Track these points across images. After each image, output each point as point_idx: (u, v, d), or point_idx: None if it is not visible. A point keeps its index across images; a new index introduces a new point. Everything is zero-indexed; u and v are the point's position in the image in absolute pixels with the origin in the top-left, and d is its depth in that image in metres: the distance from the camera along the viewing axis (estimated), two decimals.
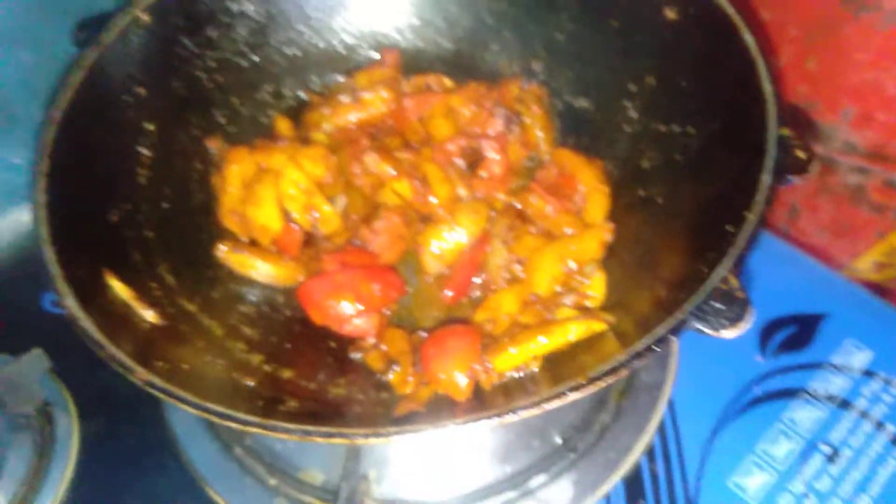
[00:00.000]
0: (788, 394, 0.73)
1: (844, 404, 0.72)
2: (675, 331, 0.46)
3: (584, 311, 0.62)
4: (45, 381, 0.75)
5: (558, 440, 0.69)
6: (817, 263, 0.84)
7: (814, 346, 0.76)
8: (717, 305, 0.47)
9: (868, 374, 0.74)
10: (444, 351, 0.59)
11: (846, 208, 0.98)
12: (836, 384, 0.74)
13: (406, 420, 0.52)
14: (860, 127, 0.90)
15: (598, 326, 0.59)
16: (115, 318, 0.56)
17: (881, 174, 0.92)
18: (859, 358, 0.75)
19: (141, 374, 0.48)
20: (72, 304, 0.51)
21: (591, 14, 0.75)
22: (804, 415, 0.72)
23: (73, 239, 0.58)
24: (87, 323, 0.50)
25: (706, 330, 0.46)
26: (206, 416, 0.45)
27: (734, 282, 0.47)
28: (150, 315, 0.59)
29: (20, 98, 0.84)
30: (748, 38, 0.60)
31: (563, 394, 0.44)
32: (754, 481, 0.68)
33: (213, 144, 0.76)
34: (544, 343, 0.59)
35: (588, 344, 0.59)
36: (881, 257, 1.02)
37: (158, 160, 0.71)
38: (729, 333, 0.46)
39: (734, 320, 0.46)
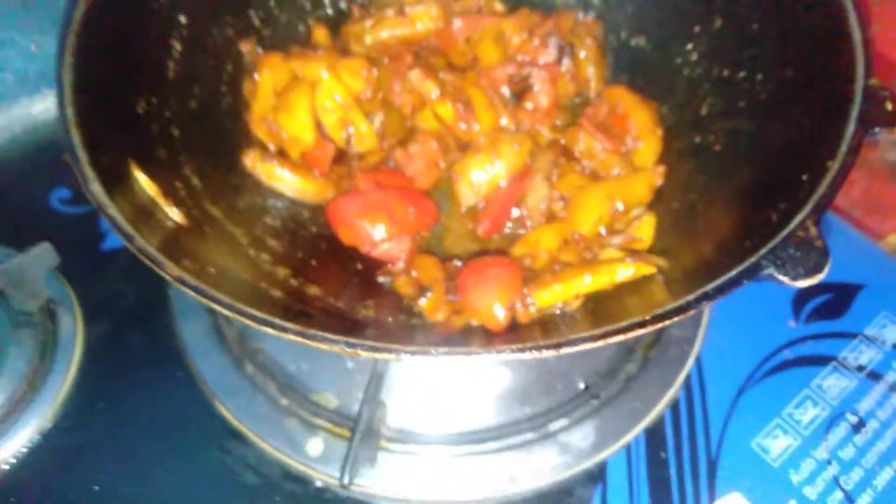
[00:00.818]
0: (819, 361, 0.71)
1: (874, 376, 0.71)
2: (750, 275, 0.43)
3: (631, 253, 0.59)
4: (51, 279, 0.72)
5: (581, 385, 0.67)
6: (860, 234, 0.81)
7: (848, 315, 0.74)
8: (794, 253, 0.44)
9: None
10: (485, 281, 0.56)
11: (881, 185, 0.95)
12: (867, 355, 0.72)
13: (454, 342, 0.49)
14: None
15: (647, 270, 0.56)
16: (141, 213, 0.52)
17: None
18: (893, 331, 0.73)
19: (171, 270, 0.44)
20: (97, 190, 0.48)
21: None
22: (833, 383, 0.70)
23: (99, 124, 0.54)
24: (113, 211, 0.47)
25: (781, 277, 0.43)
26: (240, 318, 0.42)
27: (813, 230, 0.44)
28: (175, 214, 0.55)
29: None
30: None
31: (616, 332, 0.42)
32: (778, 444, 0.66)
33: (247, 47, 0.72)
34: (590, 282, 0.56)
35: (633, 287, 0.57)
36: None
37: (189, 55, 0.67)
38: (804, 282, 0.43)
39: (812, 270, 0.43)
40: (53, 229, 0.77)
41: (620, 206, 0.64)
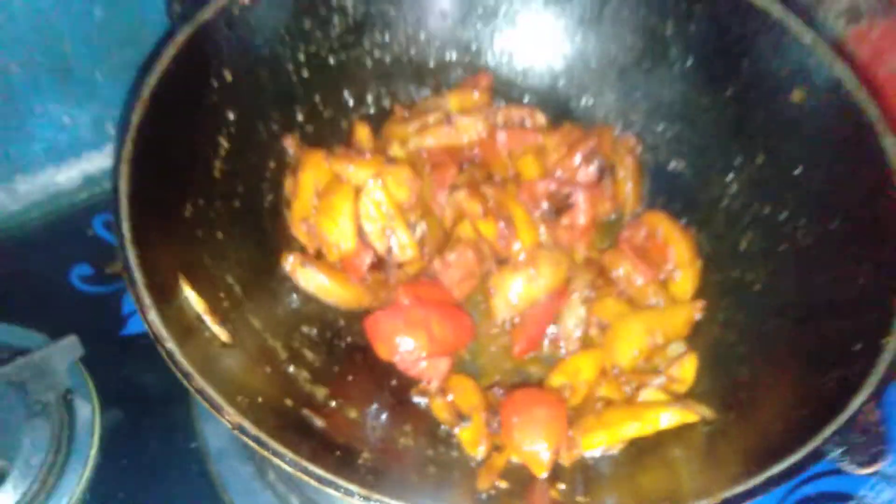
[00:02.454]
0: (839, 498, 0.71)
1: None
2: (814, 459, 0.43)
3: (674, 396, 0.59)
4: (70, 367, 0.70)
5: None
6: None
7: None
8: (857, 439, 0.44)
9: None
10: (532, 421, 0.55)
11: None
12: (887, 494, 0.72)
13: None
14: None
15: (690, 417, 0.56)
16: (189, 335, 0.51)
17: None
18: None
19: (232, 416, 0.43)
20: (155, 321, 0.47)
21: (707, 75, 0.72)
22: None
23: (152, 237, 0.53)
24: (171, 345, 0.46)
25: (846, 465, 0.43)
26: (304, 476, 0.41)
27: (873, 415, 0.45)
28: (220, 332, 0.54)
29: (81, 54, 0.78)
30: (887, 143, 0.58)
31: None
32: None
33: (290, 143, 0.72)
34: (636, 427, 0.56)
35: (675, 434, 0.56)
36: None
37: (235, 153, 0.66)
38: (867, 471, 0.43)
39: (873, 458, 0.43)
40: (73, 309, 0.76)
41: (659, 339, 0.64)
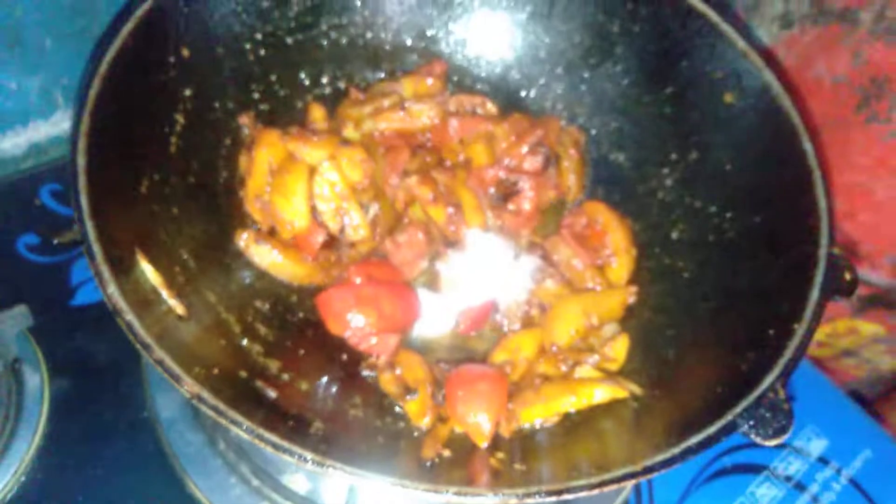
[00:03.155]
0: (753, 469, 0.78)
1: (800, 487, 0.78)
2: (726, 432, 0.48)
3: (607, 374, 0.64)
4: (19, 336, 0.70)
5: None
6: None
7: None
8: (764, 413, 0.49)
9: (822, 461, 0.80)
10: (475, 394, 0.59)
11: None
12: (794, 466, 0.79)
13: (454, 469, 0.51)
14: (840, 221, 0.96)
15: (621, 394, 0.61)
16: (144, 306, 0.52)
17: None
18: (817, 445, 0.81)
19: (190, 386, 0.45)
20: (114, 293, 0.48)
21: (649, 74, 0.76)
22: (765, 492, 0.77)
23: (109, 211, 0.54)
24: (131, 317, 0.47)
25: (753, 436, 0.48)
26: (260, 443, 0.44)
27: (781, 393, 0.50)
28: (176, 305, 0.56)
29: (30, 22, 0.77)
30: (807, 146, 0.63)
31: (621, 478, 0.46)
32: None
33: (246, 121, 0.73)
34: (571, 402, 0.60)
35: (607, 408, 0.61)
36: (824, 338, 1.10)
37: (191, 130, 0.67)
38: (772, 442, 0.48)
39: (779, 431, 0.48)
40: (21, 278, 0.76)
41: (595, 321, 0.68)
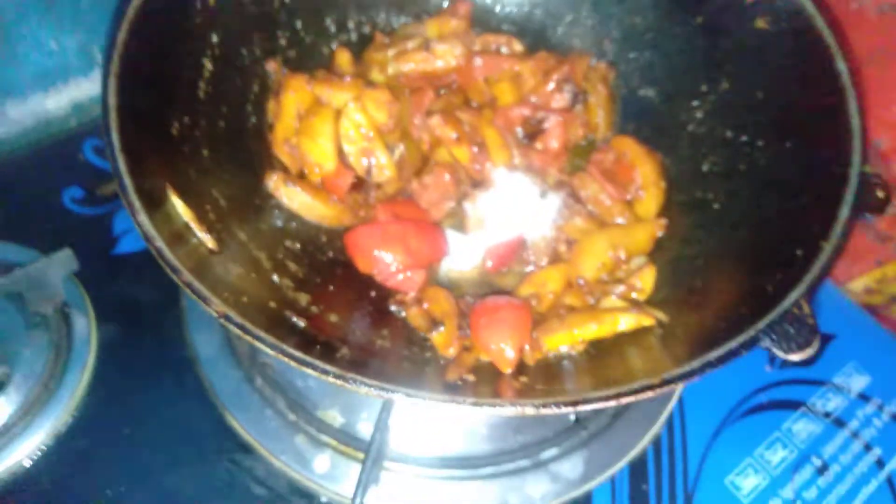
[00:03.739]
0: (790, 405, 0.77)
1: (839, 422, 0.76)
2: (748, 346, 0.48)
3: (633, 303, 0.63)
4: (66, 282, 0.73)
5: (572, 418, 0.72)
6: (834, 287, 0.87)
7: (819, 364, 0.80)
8: (788, 328, 0.48)
9: (864, 397, 0.78)
10: (498, 322, 0.59)
11: (853, 233, 1.02)
12: (833, 403, 0.78)
13: (478, 391, 0.52)
14: (886, 160, 0.93)
15: (647, 321, 0.60)
16: (177, 239, 0.54)
17: (893, 207, 0.95)
18: (858, 381, 0.79)
19: (218, 306, 0.47)
20: (145, 221, 0.50)
21: (677, 4, 0.75)
22: (801, 427, 0.76)
23: (140, 148, 0.55)
24: (160, 243, 0.49)
25: (776, 350, 0.48)
26: (283, 358, 0.45)
27: (806, 308, 0.49)
28: (207, 239, 0.58)
29: None
30: (842, 66, 0.61)
31: (639, 390, 0.46)
32: (749, 482, 0.72)
33: (273, 67, 0.74)
34: (594, 329, 0.60)
35: (632, 336, 0.61)
36: (873, 283, 1.06)
37: (219, 75, 0.69)
38: (796, 357, 0.48)
39: (803, 345, 0.48)
40: (66, 229, 0.79)
41: (622, 254, 0.68)
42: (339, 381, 0.44)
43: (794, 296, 0.50)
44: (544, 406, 0.44)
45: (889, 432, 0.77)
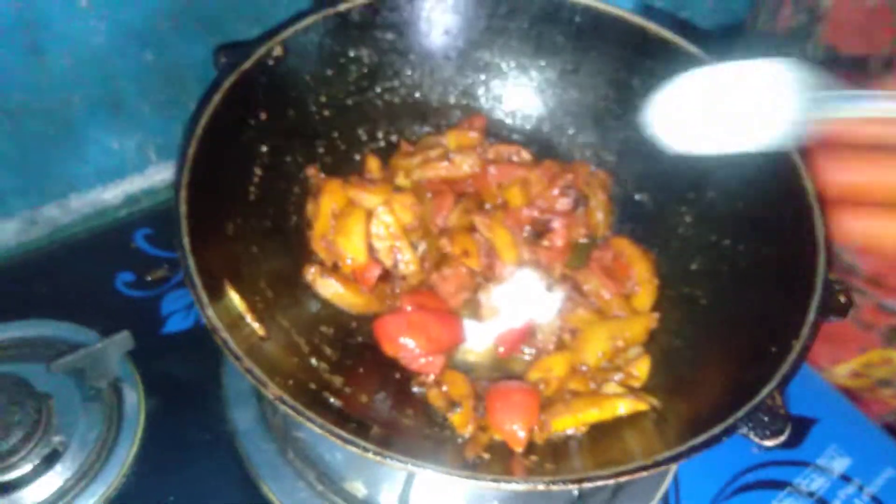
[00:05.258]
0: (777, 485, 0.84)
1: (822, 502, 0.83)
2: (728, 433, 0.55)
3: (630, 389, 0.71)
4: (119, 359, 0.81)
5: (576, 493, 0.78)
6: (816, 373, 0.94)
7: (803, 446, 0.87)
8: (763, 417, 0.56)
9: (845, 478, 0.85)
10: (510, 405, 0.67)
11: (838, 321, 1.09)
12: (817, 483, 0.84)
13: (493, 468, 0.60)
14: (865, 254, 1.02)
15: (642, 406, 0.68)
16: (235, 329, 0.63)
17: (875, 297, 1.04)
18: (839, 463, 0.86)
19: (273, 390, 0.55)
20: (212, 315, 0.59)
21: None
22: None
23: (204, 249, 0.64)
24: (225, 334, 0.58)
25: (752, 437, 0.55)
26: (330, 437, 0.53)
27: (778, 400, 0.57)
28: (258, 328, 0.66)
29: (130, 91, 0.90)
30: (808, 184, 0.71)
31: (634, 470, 0.53)
32: None
33: (312, 172, 0.84)
34: (596, 413, 0.68)
35: (629, 419, 0.69)
36: (859, 367, 1.14)
37: (266, 180, 0.78)
38: (770, 443, 0.55)
39: (776, 433, 0.55)
40: (119, 310, 0.88)
41: (621, 344, 0.76)
42: (377, 458, 0.52)
43: (768, 389, 0.58)
44: (553, 483, 0.52)
45: None
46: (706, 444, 0.55)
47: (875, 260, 1.02)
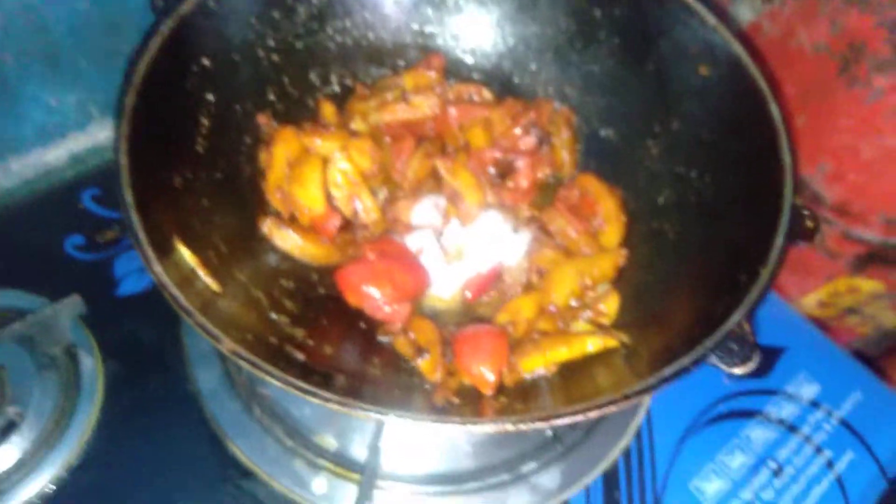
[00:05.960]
0: (747, 414, 0.84)
1: (792, 429, 0.84)
2: (697, 362, 0.55)
3: (599, 327, 0.70)
4: (72, 323, 0.78)
5: (549, 433, 0.78)
6: (784, 303, 0.95)
7: (772, 375, 0.87)
8: (732, 346, 0.55)
9: (814, 404, 0.86)
10: (478, 349, 0.66)
11: (804, 250, 1.10)
12: (786, 410, 0.85)
13: (462, 412, 0.59)
14: (831, 182, 1.02)
15: (612, 343, 0.67)
16: (186, 285, 0.60)
17: (841, 226, 1.04)
18: (808, 390, 0.87)
19: (228, 344, 0.53)
20: (159, 272, 0.56)
21: (630, 54, 0.82)
22: (758, 434, 0.83)
23: (149, 203, 0.61)
24: (174, 290, 0.55)
25: (721, 365, 0.55)
26: (289, 389, 0.51)
27: (747, 327, 0.56)
28: (212, 283, 0.63)
29: (66, 43, 0.85)
30: (774, 109, 0.69)
31: (603, 404, 0.52)
32: (712, 486, 0.78)
33: (263, 121, 0.80)
34: (565, 352, 0.67)
35: (599, 357, 0.68)
36: (826, 297, 1.15)
37: (215, 131, 0.75)
38: (739, 371, 0.55)
39: (744, 360, 0.55)
40: (69, 274, 0.84)
41: (589, 282, 0.75)
42: (340, 408, 0.50)
43: (735, 317, 0.57)
44: (521, 422, 0.50)
45: (838, 436, 0.84)
46: (675, 376, 0.54)
47: (839, 189, 1.02)
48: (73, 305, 0.75)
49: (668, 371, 0.54)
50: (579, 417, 0.51)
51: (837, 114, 0.98)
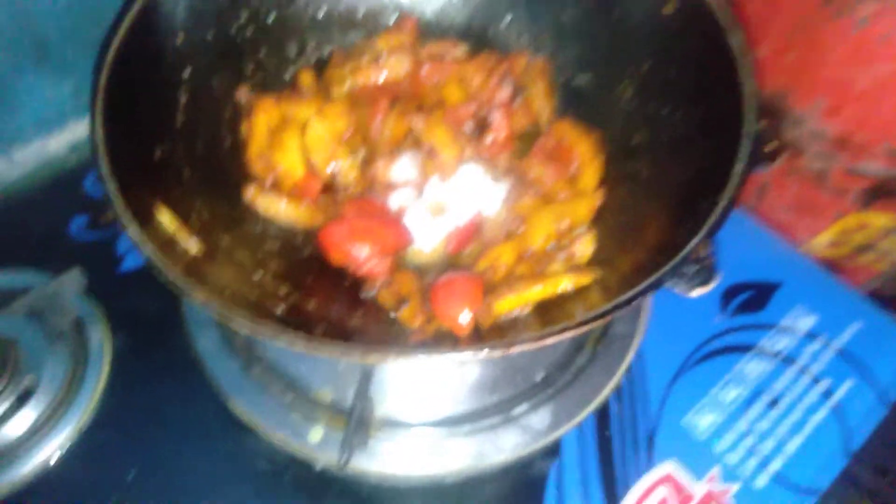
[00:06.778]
0: (741, 349, 0.84)
1: (788, 360, 0.84)
2: (654, 287, 0.55)
3: (573, 266, 0.71)
4: (79, 298, 0.82)
5: (540, 377, 0.80)
6: (777, 237, 0.94)
7: (767, 309, 0.87)
8: (690, 270, 0.56)
9: (811, 335, 0.85)
10: (452, 293, 0.68)
11: (810, 189, 1.08)
12: (782, 343, 0.85)
13: (430, 346, 0.61)
14: (829, 117, 1.00)
15: (585, 279, 0.68)
16: (165, 246, 0.63)
17: (844, 161, 1.02)
18: (805, 321, 0.86)
19: (198, 296, 0.56)
20: (134, 232, 0.59)
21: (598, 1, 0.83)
22: (753, 367, 0.83)
23: (127, 174, 0.64)
24: (147, 248, 0.58)
25: (678, 289, 0.55)
26: (254, 333, 0.54)
27: (704, 251, 0.57)
28: (192, 244, 0.66)
29: (54, 35, 0.88)
30: (733, 40, 0.69)
31: (558, 332, 0.54)
32: (705, 420, 0.79)
33: (241, 94, 0.83)
34: (538, 290, 0.68)
35: (575, 294, 0.69)
36: (836, 236, 1.13)
37: (193, 104, 0.77)
38: (696, 293, 0.55)
39: (702, 283, 0.55)
40: (75, 253, 0.88)
41: (566, 225, 0.76)
42: (303, 348, 0.53)
43: (693, 242, 0.57)
44: (490, 349, 0.52)
45: (836, 364, 0.83)
46: (630, 300, 0.55)
47: (837, 123, 1.00)
48: (74, 279, 0.79)
49: (623, 297, 0.55)
50: (538, 344, 0.53)
51: (826, 47, 0.96)
